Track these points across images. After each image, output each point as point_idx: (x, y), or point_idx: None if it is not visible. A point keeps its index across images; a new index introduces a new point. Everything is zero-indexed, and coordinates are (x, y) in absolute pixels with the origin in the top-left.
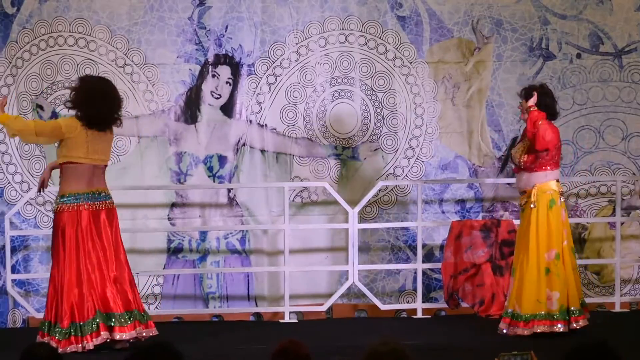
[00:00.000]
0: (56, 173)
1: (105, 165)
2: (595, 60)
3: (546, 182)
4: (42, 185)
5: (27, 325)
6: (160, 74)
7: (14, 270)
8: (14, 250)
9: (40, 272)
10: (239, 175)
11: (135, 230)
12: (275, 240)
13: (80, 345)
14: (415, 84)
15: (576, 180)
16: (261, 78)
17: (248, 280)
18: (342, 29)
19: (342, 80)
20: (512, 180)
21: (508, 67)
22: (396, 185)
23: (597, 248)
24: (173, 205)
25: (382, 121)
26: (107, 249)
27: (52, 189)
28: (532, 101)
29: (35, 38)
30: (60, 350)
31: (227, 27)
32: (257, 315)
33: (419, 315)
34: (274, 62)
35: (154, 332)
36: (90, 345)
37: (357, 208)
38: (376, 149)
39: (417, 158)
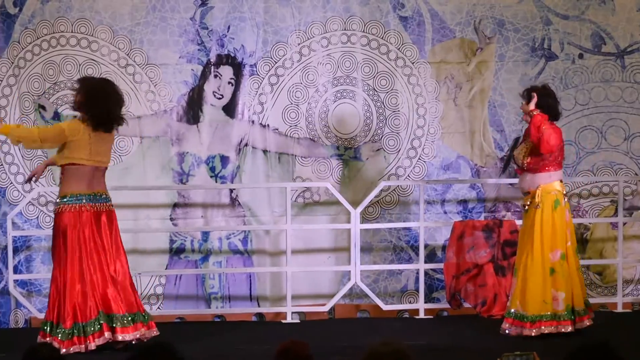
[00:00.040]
0: (56, 173)
1: (106, 168)
2: (598, 60)
3: (550, 183)
4: (31, 178)
5: (29, 326)
6: (162, 74)
7: (16, 270)
8: (16, 251)
9: (42, 272)
10: (241, 176)
11: (138, 230)
12: (278, 241)
13: (83, 345)
14: (417, 84)
15: (578, 180)
16: (263, 78)
17: (250, 280)
18: (345, 30)
19: (345, 81)
20: (514, 180)
21: (510, 67)
22: (398, 186)
23: (600, 248)
24: (175, 205)
25: (384, 121)
26: (108, 250)
27: (53, 189)
28: (534, 104)
29: (38, 38)
30: (63, 351)
31: (229, 28)
32: (260, 315)
33: (421, 315)
34: (276, 63)
35: (155, 332)
36: (92, 346)
37: (360, 208)
38: (378, 149)
39: (419, 158)
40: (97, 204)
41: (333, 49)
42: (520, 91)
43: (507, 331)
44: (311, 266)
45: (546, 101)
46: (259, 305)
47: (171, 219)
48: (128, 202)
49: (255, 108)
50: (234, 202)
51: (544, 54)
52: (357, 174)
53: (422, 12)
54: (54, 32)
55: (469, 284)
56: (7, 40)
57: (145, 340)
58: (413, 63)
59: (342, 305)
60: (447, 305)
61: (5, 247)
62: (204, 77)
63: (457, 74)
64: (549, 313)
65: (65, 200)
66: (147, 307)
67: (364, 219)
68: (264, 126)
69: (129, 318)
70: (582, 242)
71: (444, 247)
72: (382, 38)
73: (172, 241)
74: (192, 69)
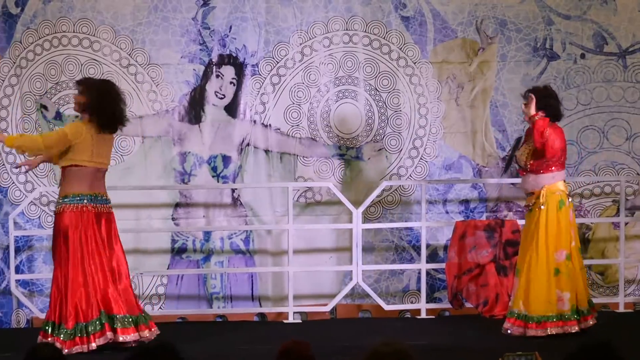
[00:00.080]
0: (58, 173)
1: (106, 170)
2: (600, 60)
3: (554, 183)
4: (21, 165)
5: (31, 326)
6: (164, 74)
7: (18, 270)
8: (18, 251)
9: (44, 272)
10: (243, 175)
11: (139, 230)
12: (279, 241)
13: (85, 345)
14: (419, 84)
15: (580, 180)
16: (265, 78)
17: (252, 280)
18: (346, 29)
19: (346, 81)
20: (516, 180)
21: (512, 67)
22: (400, 186)
23: (601, 248)
24: (177, 205)
25: (386, 121)
26: (109, 251)
27: (55, 189)
28: (534, 109)
29: (40, 38)
30: (65, 351)
31: (231, 28)
32: (261, 315)
33: (423, 315)
34: (278, 63)
35: (156, 331)
36: (93, 345)
37: (361, 208)
38: (380, 149)
39: (421, 158)
40: (97, 205)
41: (335, 49)
42: (522, 91)
43: (509, 331)
44: (313, 266)
45: (548, 102)
46: (260, 305)
47: (173, 219)
48: (130, 202)
49: (257, 108)
50: (235, 202)
51: (546, 54)
52: (359, 174)
53: (424, 12)
54: (55, 32)
55: (470, 284)
56: (9, 40)
57: (147, 342)
58: (415, 63)
59: (343, 305)
60: (449, 305)
61: (7, 247)
62: (205, 77)
63: (459, 74)
64: (554, 314)
65: (66, 200)
66: (148, 307)
67: (366, 218)
68: (266, 126)
69: (130, 319)
70: (584, 242)
71: (445, 247)
72: (384, 38)
73: (173, 241)
74: (194, 69)
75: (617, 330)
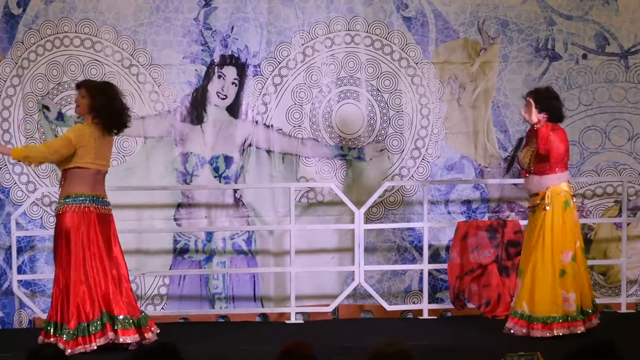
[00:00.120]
0: (57, 174)
1: (106, 172)
2: (601, 60)
3: (558, 184)
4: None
5: (33, 326)
6: (166, 75)
7: (20, 270)
8: (20, 251)
9: (46, 272)
10: (245, 176)
11: (141, 230)
12: (282, 241)
13: (88, 345)
14: (421, 84)
15: (582, 180)
16: (267, 79)
17: (254, 280)
18: (348, 30)
19: (348, 81)
20: (518, 180)
21: (514, 67)
22: (402, 186)
23: (603, 249)
24: (179, 205)
25: (388, 122)
26: (109, 252)
27: (57, 190)
28: (535, 116)
29: (41, 39)
30: (68, 351)
31: (232, 28)
32: (263, 315)
33: (425, 316)
34: (279, 63)
35: (156, 330)
36: (94, 345)
37: (363, 208)
38: (382, 150)
39: (423, 158)
40: (99, 206)
41: (337, 49)
42: (524, 92)
43: (512, 330)
44: (315, 266)
45: (550, 103)
46: (262, 306)
47: (175, 219)
48: (132, 203)
49: (259, 108)
50: (237, 202)
51: (548, 55)
52: (361, 174)
53: (426, 12)
54: (57, 33)
55: (472, 284)
56: (10, 41)
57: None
58: (417, 63)
59: (346, 305)
60: (451, 306)
61: (9, 248)
62: (207, 77)
63: (460, 74)
64: (560, 314)
65: (68, 200)
66: (150, 308)
67: (368, 219)
68: (268, 126)
69: (130, 320)
70: (586, 242)
71: (447, 248)
72: (385, 38)
73: (176, 241)
74: (196, 70)
75: (619, 331)
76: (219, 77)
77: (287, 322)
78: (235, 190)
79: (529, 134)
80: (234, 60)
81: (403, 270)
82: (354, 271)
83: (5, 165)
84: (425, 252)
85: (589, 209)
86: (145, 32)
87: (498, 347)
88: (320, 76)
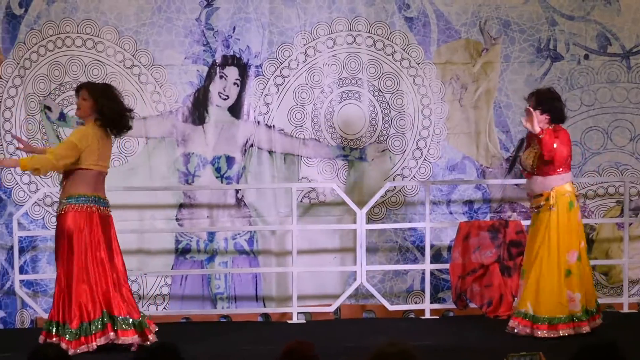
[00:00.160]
0: (59, 174)
1: (106, 173)
2: (603, 61)
3: (562, 185)
4: (20, 140)
5: (35, 326)
6: (168, 75)
7: (22, 270)
8: (22, 251)
9: (48, 272)
10: (246, 176)
11: (143, 231)
12: (283, 241)
13: (90, 345)
14: (422, 85)
15: (584, 181)
16: (269, 79)
17: (256, 280)
18: (350, 30)
19: (350, 81)
20: (520, 181)
21: (516, 68)
22: (404, 186)
23: (605, 249)
24: (181, 206)
25: (390, 122)
26: (111, 254)
27: (58, 190)
28: (538, 125)
29: (43, 39)
30: (72, 351)
31: (234, 28)
32: (265, 315)
33: (427, 315)
34: (281, 63)
35: (154, 328)
36: (94, 345)
37: (365, 209)
38: (384, 150)
39: (424, 159)
40: (100, 207)
41: (338, 49)
42: (526, 92)
43: (515, 330)
44: (317, 266)
45: (552, 104)
46: (264, 306)
47: (177, 220)
48: (134, 203)
49: (260, 109)
50: (239, 202)
51: (550, 55)
52: (363, 175)
53: (428, 12)
54: (59, 33)
55: (474, 285)
56: (12, 41)
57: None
58: (418, 64)
59: (347, 305)
60: (453, 306)
61: (11, 248)
62: (209, 78)
63: (462, 74)
64: (566, 315)
65: (71, 200)
66: (152, 307)
67: (370, 219)
68: (270, 127)
69: (129, 321)
70: (588, 242)
71: (449, 248)
72: (387, 39)
73: (177, 241)
74: (198, 70)
75: (621, 331)
76: (221, 77)
77: (289, 322)
78: (237, 191)
79: (531, 135)
80: (235, 61)
81: (405, 270)
82: (355, 271)
83: None
84: (427, 252)
85: (591, 210)
86: (147, 32)
87: (500, 347)
88: (322, 76)
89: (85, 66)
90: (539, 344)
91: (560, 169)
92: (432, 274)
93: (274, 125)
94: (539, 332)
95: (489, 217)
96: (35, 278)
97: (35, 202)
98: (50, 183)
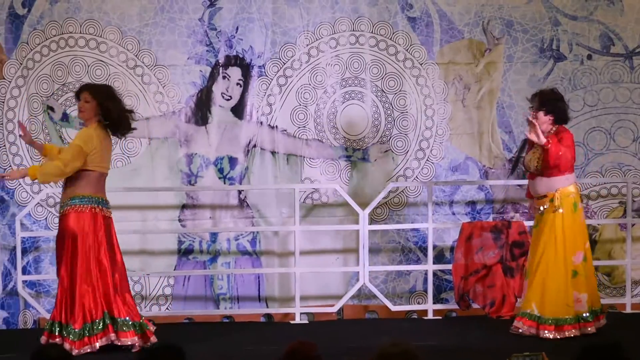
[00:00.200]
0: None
1: (107, 174)
2: (606, 61)
3: (567, 186)
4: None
5: (38, 326)
6: (170, 76)
7: (24, 271)
8: (24, 252)
9: (51, 273)
10: (249, 177)
11: (146, 231)
12: (286, 242)
13: (93, 345)
14: (425, 85)
15: (587, 181)
16: (272, 79)
17: (259, 281)
18: (353, 30)
19: (353, 82)
20: (523, 181)
21: (519, 68)
22: (406, 187)
23: (608, 249)
24: (184, 206)
25: (393, 123)
26: (112, 255)
27: (60, 191)
28: (543, 137)
29: (46, 39)
30: (75, 351)
31: (237, 29)
32: (268, 316)
33: (430, 316)
34: (284, 64)
35: (152, 326)
36: (96, 346)
37: (368, 209)
38: (386, 151)
39: (427, 159)
40: (103, 209)
41: (341, 50)
42: (529, 92)
43: (520, 330)
44: (319, 267)
45: (556, 105)
46: (267, 306)
47: (180, 220)
48: (136, 204)
49: (263, 109)
50: (242, 203)
51: (553, 55)
52: (366, 175)
53: (431, 12)
54: (62, 33)
55: (477, 285)
56: (15, 41)
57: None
58: (421, 64)
59: (350, 306)
60: (456, 306)
61: (14, 248)
62: (212, 78)
63: (465, 75)
64: (571, 316)
65: (75, 200)
66: (155, 308)
67: (372, 220)
68: (273, 127)
69: (129, 323)
70: (591, 243)
71: (452, 248)
72: (390, 39)
73: (180, 242)
74: (201, 70)
75: (624, 331)
76: (224, 77)
77: (292, 322)
78: (239, 191)
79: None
80: (238, 61)
81: (408, 270)
82: (358, 272)
83: (10, 167)
84: (430, 253)
85: (594, 210)
86: (150, 32)
87: (503, 348)
88: (325, 77)
89: (88, 66)
90: (542, 344)
91: (565, 171)
92: (434, 274)
93: (276, 126)
94: (545, 333)
95: (492, 217)
96: (38, 279)
97: (38, 202)
98: (53, 184)
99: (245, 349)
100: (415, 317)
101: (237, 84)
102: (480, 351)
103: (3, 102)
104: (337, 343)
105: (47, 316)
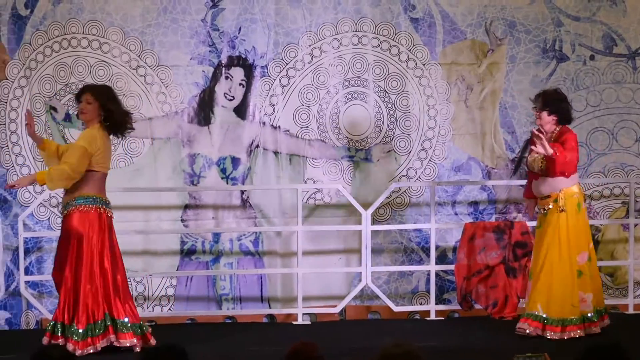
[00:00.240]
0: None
1: (107, 174)
2: (609, 61)
3: (570, 187)
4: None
5: (41, 327)
6: (173, 76)
7: (27, 272)
8: (27, 252)
9: None
10: (252, 177)
11: (149, 232)
12: (289, 242)
13: (95, 345)
14: (428, 85)
15: (589, 182)
16: (274, 80)
17: (261, 281)
18: (356, 31)
19: (356, 82)
20: (525, 182)
21: (521, 68)
22: (409, 187)
23: (611, 250)
24: (186, 207)
25: (395, 123)
26: (114, 256)
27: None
28: (550, 147)
29: (49, 40)
30: (79, 352)
31: (240, 29)
32: (270, 316)
33: (432, 317)
34: (287, 64)
35: (149, 329)
36: (98, 347)
37: (370, 210)
38: (389, 151)
39: (430, 160)
40: (106, 209)
41: (344, 50)
42: (532, 93)
43: (527, 331)
44: (322, 268)
45: (560, 105)
46: (269, 307)
47: (182, 221)
48: (139, 204)
49: (266, 109)
50: (245, 203)
51: (555, 56)
52: (368, 176)
53: (433, 13)
54: (65, 34)
55: (480, 286)
56: (18, 42)
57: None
58: (424, 64)
59: (353, 306)
60: (458, 307)
61: (17, 249)
62: (215, 78)
63: (468, 75)
64: (577, 316)
65: (79, 200)
66: (158, 309)
67: (375, 220)
68: (275, 128)
69: (128, 324)
70: (594, 243)
71: (454, 249)
72: (393, 39)
73: (183, 242)
74: (203, 71)
75: (627, 332)
76: (227, 78)
77: (294, 323)
78: (242, 192)
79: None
80: (241, 62)
81: (410, 271)
82: (361, 272)
83: (13, 166)
84: (433, 253)
85: (596, 211)
86: (153, 33)
87: (505, 348)
88: (328, 77)
89: (91, 67)
90: (545, 345)
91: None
92: (437, 275)
93: (279, 126)
94: (551, 334)
95: (495, 218)
96: (40, 279)
97: (41, 203)
98: None
99: (247, 350)
100: (418, 317)
101: (240, 84)
102: (483, 352)
103: (6, 103)
104: (339, 344)
105: (50, 317)
